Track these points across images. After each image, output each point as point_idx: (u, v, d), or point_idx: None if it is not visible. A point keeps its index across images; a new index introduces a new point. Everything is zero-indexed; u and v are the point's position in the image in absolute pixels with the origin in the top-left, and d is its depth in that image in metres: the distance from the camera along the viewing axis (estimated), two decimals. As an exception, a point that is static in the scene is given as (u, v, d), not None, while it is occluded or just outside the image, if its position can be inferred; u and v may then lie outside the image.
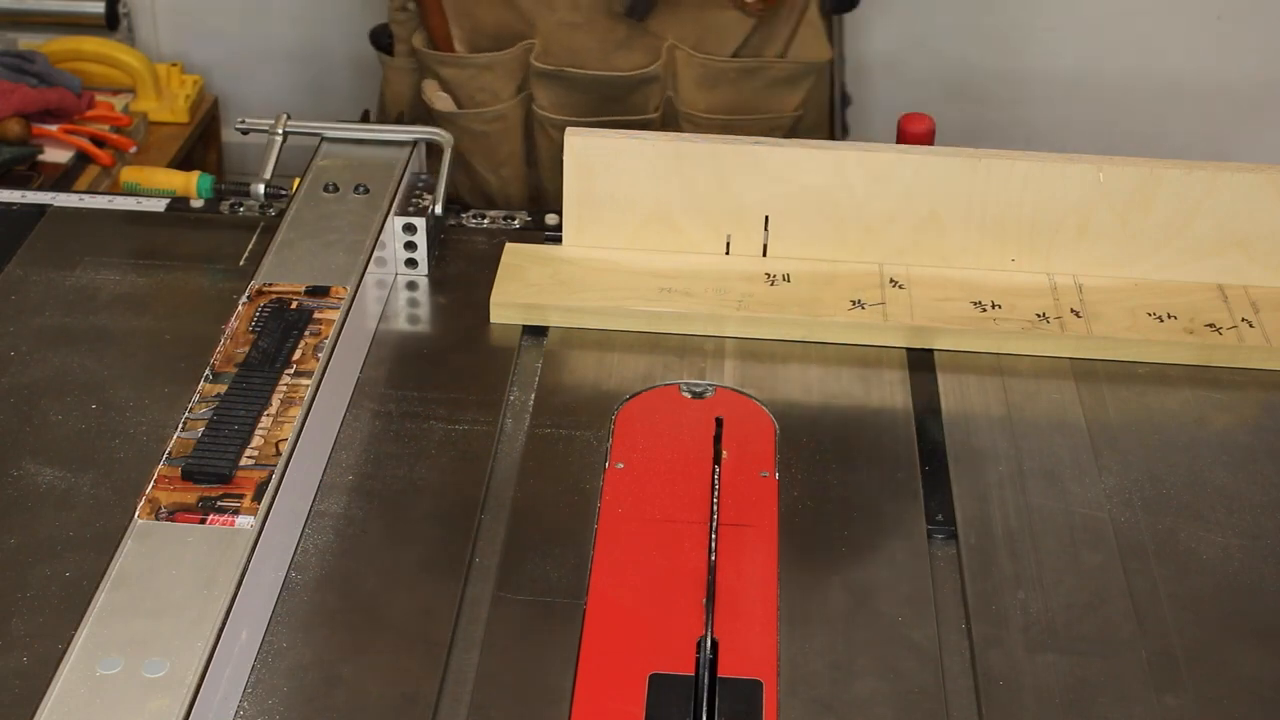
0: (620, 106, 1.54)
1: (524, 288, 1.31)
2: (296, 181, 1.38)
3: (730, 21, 1.51)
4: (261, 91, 2.62)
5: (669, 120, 1.55)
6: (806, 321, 1.29)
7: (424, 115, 1.62)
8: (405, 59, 1.59)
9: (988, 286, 1.33)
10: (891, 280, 1.33)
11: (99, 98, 2.31)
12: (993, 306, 1.31)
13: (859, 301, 1.31)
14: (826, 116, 1.68)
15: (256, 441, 1.04)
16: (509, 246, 1.36)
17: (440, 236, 1.39)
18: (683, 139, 1.34)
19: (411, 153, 1.41)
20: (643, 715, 0.93)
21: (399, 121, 1.66)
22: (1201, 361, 1.28)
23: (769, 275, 1.34)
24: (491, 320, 1.30)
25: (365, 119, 1.50)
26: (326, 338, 1.15)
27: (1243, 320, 1.30)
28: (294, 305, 1.19)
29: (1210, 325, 1.29)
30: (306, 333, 1.16)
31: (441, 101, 1.57)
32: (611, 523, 1.09)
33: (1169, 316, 1.30)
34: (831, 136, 1.71)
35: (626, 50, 1.51)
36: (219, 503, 0.98)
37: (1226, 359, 1.28)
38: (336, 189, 1.34)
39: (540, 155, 1.59)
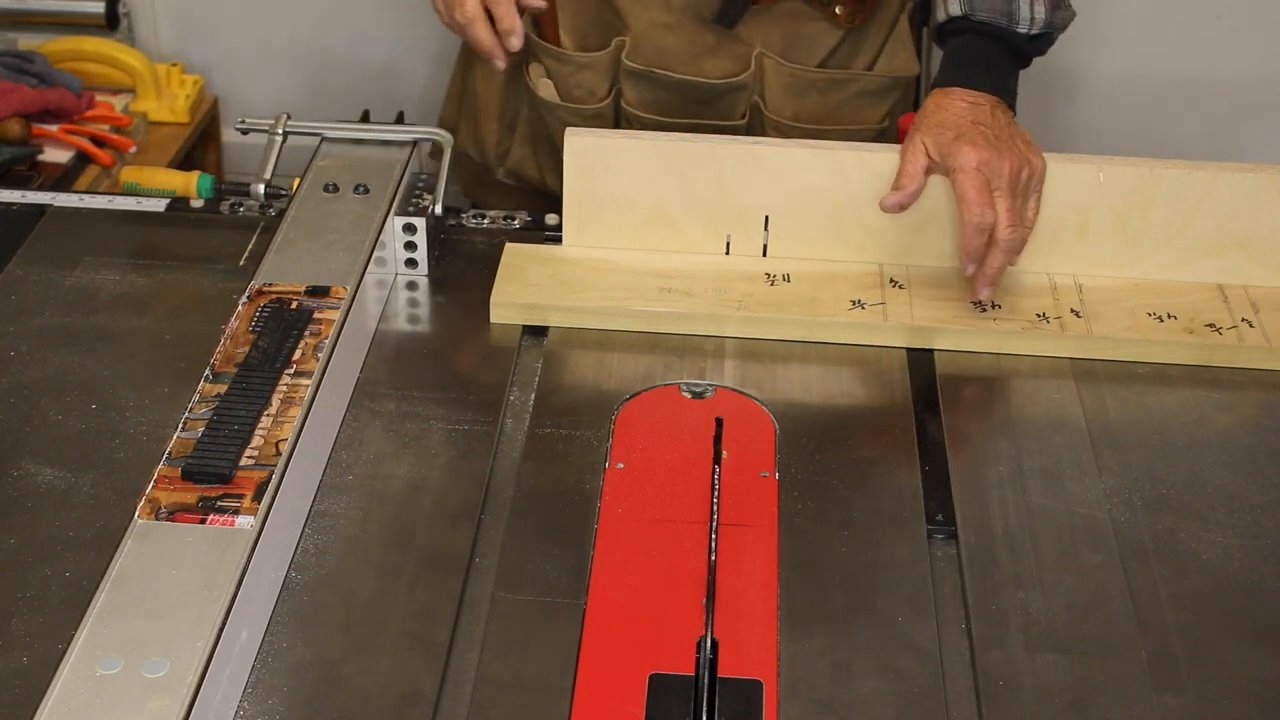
0: (708, 111, 1.54)
1: (524, 288, 1.31)
2: (296, 181, 1.38)
3: (819, 32, 1.52)
4: (261, 91, 2.62)
5: (754, 126, 1.55)
6: (806, 321, 1.29)
7: (515, 98, 1.61)
8: None
9: None
10: (891, 280, 1.33)
11: (99, 98, 2.30)
12: (993, 306, 1.31)
13: (859, 301, 1.31)
14: None
15: (256, 441, 1.04)
16: (509, 246, 1.36)
17: (440, 236, 1.39)
18: (683, 139, 1.34)
19: (411, 153, 1.41)
20: (643, 715, 0.93)
21: (488, 104, 1.66)
22: (1201, 361, 1.28)
23: (769, 275, 1.34)
24: (491, 320, 1.30)
25: (365, 119, 1.50)
26: (326, 338, 1.15)
27: (1243, 320, 1.30)
28: (294, 305, 1.19)
29: (1210, 325, 1.29)
30: (306, 333, 1.16)
31: (545, 88, 1.57)
32: (611, 523, 1.09)
33: (1169, 316, 1.30)
34: None
35: (714, 56, 1.52)
36: (219, 503, 0.98)
37: (1226, 359, 1.28)
38: (336, 189, 1.34)
39: None
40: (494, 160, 1.66)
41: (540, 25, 1.54)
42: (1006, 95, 1.34)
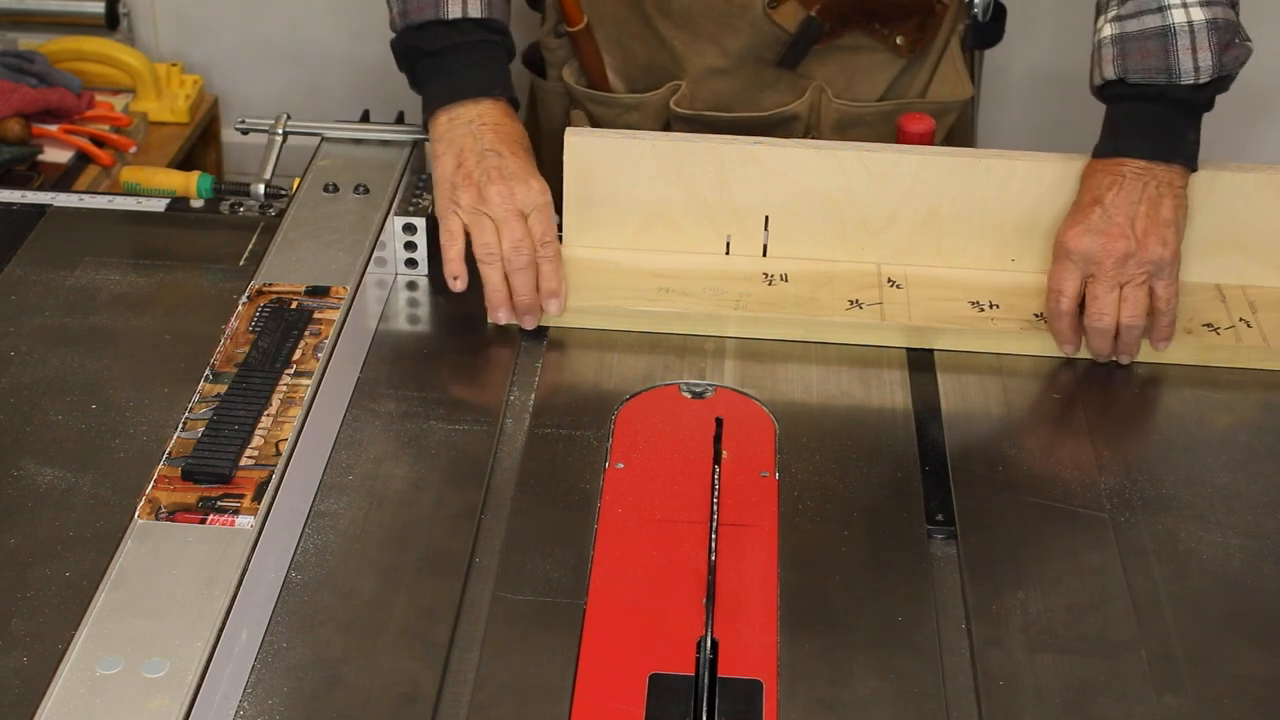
0: None
1: None
2: (296, 181, 1.38)
3: (880, 64, 1.51)
4: (261, 91, 2.62)
5: None
6: (804, 321, 1.29)
7: None
8: (558, 83, 1.57)
9: (987, 286, 1.33)
10: (889, 280, 1.33)
11: (99, 98, 2.30)
12: (991, 306, 1.31)
13: (857, 301, 1.31)
14: None
15: (256, 441, 1.04)
16: None
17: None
18: (683, 139, 1.34)
19: (411, 153, 1.41)
20: (643, 715, 0.93)
21: (550, 143, 1.62)
22: (1199, 361, 1.28)
23: (767, 275, 1.34)
24: (489, 320, 1.30)
25: (365, 119, 1.50)
26: (326, 338, 1.15)
27: (1240, 320, 1.30)
28: (294, 305, 1.19)
29: (1208, 325, 1.29)
30: (306, 333, 1.16)
31: None
32: (611, 523, 1.09)
33: None
34: None
35: (773, 91, 1.50)
36: (219, 503, 0.98)
37: (1224, 359, 1.28)
38: (336, 189, 1.34)
39: None
40: None
41: (588, 71, 1.53)
42: (1177, 156, 1.26)
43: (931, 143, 1.47)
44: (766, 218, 1.35)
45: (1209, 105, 1.28)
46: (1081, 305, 1.26)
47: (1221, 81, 1.27)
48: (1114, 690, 0.97)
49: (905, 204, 1.33)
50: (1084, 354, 1.28)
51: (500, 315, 1.28)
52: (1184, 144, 1.27)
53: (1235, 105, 2.52)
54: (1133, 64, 1.26)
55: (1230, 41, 1.26)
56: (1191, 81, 1.25)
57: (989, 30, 1.58)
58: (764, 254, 1.36)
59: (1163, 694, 0.97)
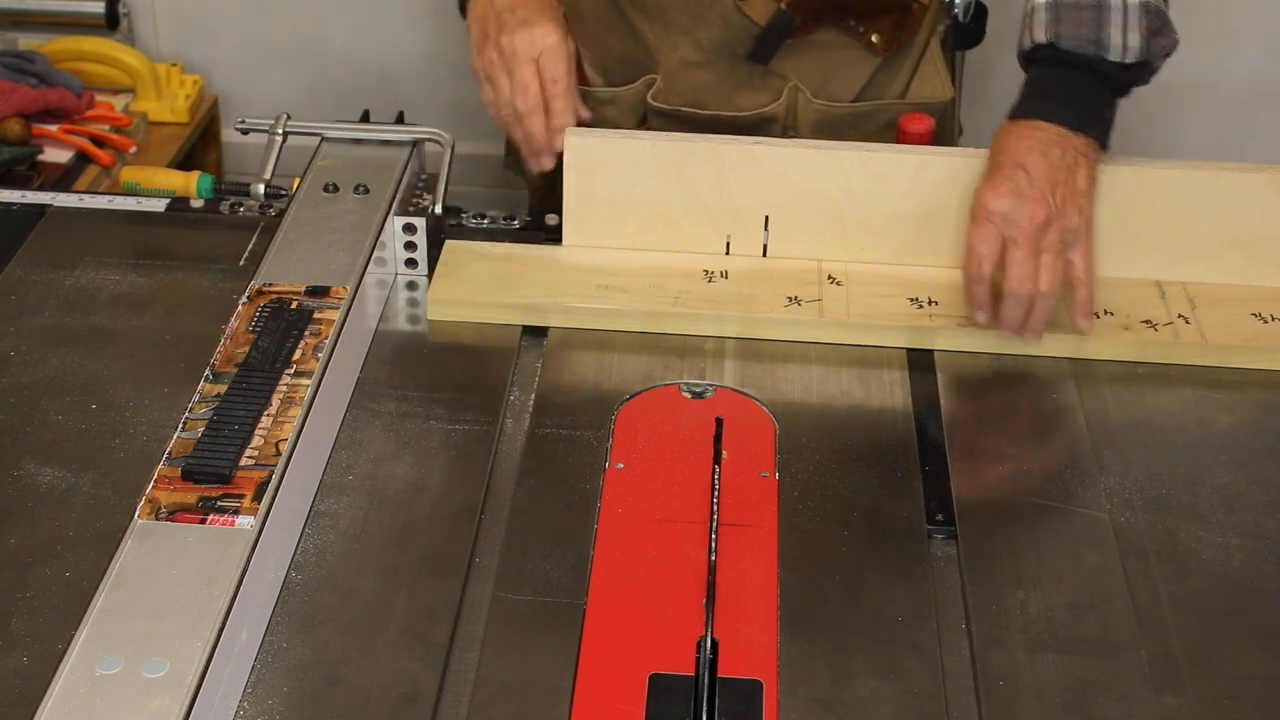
0: None
1: (461, 285, 1.30)
2: (296, 181, 1.38)
3: (856, 61, 1.50)
4: (261, 91, 2.62)
5: None
6: (743, 318, 1.29)
7: None
8: None
9: (927, 283, 1.33)
10: (830, 277, 1.33)
11: (99, 98, 2.30)
12: (930, 303, 1.30)
13: (795, 299, 1.31)
14: None
15: (256, 441, 1.04)
16: (448, 244, 1.35)
17: (440, 237, 1.39)
18: (683, 139, 1.34)
19: (411, 153, 1.41)
20: (643, 715, 0.93)
21: None
22: (1136, 358, 1.27)
23: (707, 272, 1.34)
24: (429, 317, 1.29)
25: (365, 119, 1.50)
26: (326, 338, 1.15)
27: (1179, 317, 1.30)
28: (294, 305, 1.19)
29: (1146, 321, 1.29)
30: (306, 333, 1.16)
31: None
32: (611, 523, 1.09)
33: (1106, 313, 1.29)
34: None
35: (749, 90, 1.50)
36: (219, 503, 0.98)
37: (1161, 355, 1.27)
38: (336, 189, 1.34)
39: None
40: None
41: None
42: (1094, 129, 1.26)
43: (931, 143, 1.47)
44: (766, 218, 1.35)
45: (1127, 90, 1.29)
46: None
47: (1144, 69, 1.28)
48: (1114, 690, 0.97)
49: (905, 204, 1.33)
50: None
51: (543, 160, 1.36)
52: (1101, 118, 1.27)
53: (1235, 105, 2.51)
54: (1065, 30, 1.27)
55: (1159, 29, 1.28)
56: (1118, 58, 1.27)
57: (969, 31, 1.59)
58: (764, 254, 1.36)
59: (1163, 694, 0.97)
